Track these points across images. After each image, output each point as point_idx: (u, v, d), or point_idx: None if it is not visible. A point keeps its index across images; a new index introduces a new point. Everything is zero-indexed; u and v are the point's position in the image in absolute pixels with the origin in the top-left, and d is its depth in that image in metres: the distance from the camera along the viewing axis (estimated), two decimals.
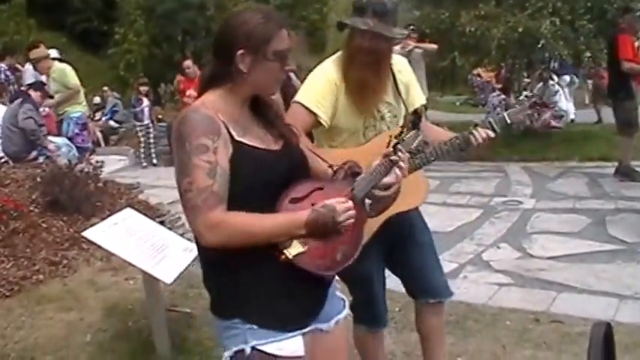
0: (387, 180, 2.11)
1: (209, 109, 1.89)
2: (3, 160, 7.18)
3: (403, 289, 3.15)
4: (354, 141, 2.77)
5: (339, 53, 2.82)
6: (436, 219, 6.17)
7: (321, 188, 2.01)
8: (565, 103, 13.42)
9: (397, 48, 9.35)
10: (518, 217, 6.58)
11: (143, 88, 11.76)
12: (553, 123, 11.74)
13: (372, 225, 2.50)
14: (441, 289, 3.03)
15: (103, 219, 4.09)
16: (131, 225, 3.86)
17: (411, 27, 9.76)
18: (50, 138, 7.59)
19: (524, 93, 13.13)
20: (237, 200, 1.85)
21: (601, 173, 8.34)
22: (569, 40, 10.01)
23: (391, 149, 2.11)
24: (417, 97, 2.95)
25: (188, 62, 10.99)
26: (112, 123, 14.50)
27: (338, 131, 2.79)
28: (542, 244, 5.68)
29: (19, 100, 7.46)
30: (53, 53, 8.43)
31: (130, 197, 6.46)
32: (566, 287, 4.66)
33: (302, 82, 2.97)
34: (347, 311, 2.17)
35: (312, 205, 1.92)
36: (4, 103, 8.23)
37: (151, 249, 3.67)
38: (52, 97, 7.88)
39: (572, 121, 13.18)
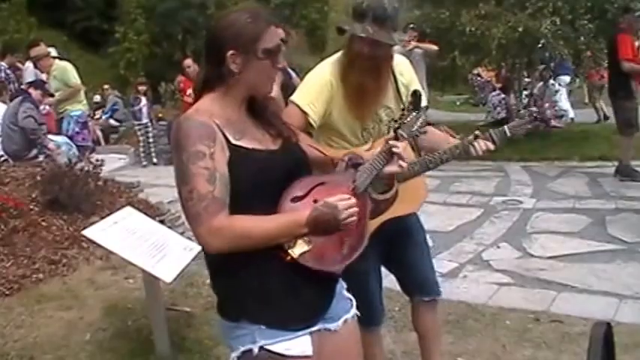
0: (388, 169, 2.11)
1: (203, 114, 1.88)
2: (3, 159, 7.18)
3: None
4: (350, 143, 2.78)
5: (337, 54, 2.83)
6: (436, 218, 6.19)
7: (322, 183, 2.00)
8: (566, 102, 13.42)
9: (398, 47, 9.37)
10: (519, 216, 6.58)
11: (141, 88, 11.78)
12: (553, 122, 11.73)
13: (369, 228, 2.50)
14: (434, 286, 3.08)
15: (103, 218, 4.09)
16: (131, 224, 3.86)
17: (411, 26, 9.76)
18: (50, 137, 7.59)
19: (525, 93, 13.13)
20: (239, 203, 1.85)
21: (601, 173, 8.34)
22: (569, 40, 10.01)
23: (392, 135, 2.10)
24: None
25: (188, 61, 10.98)
26: (112, 122, 14.49)
27: (335, 132, 2.80)
28: (542, 243, 5.68)
29: (19, 99, 7.45)
30: (52, 52, 8.42)
31: (130, 196, 6.45)
32: (566, 287, 4.66)
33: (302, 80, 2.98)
34: (355, 310, 2.16)
35: (315, 201, 1.91)
36: (4, 102, 8.22)
37: (151, 248, 3.67)
38: (52, 95, 7.88)
39: (573, 120, 13.18)
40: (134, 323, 4.06)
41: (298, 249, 1.87)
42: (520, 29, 9.57)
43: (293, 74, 8.12)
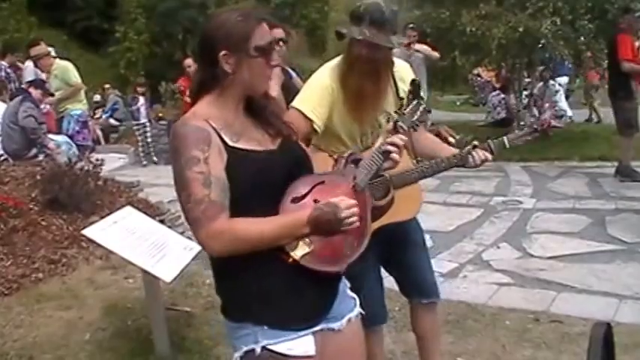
0: (389, 163, 2.11)
1: (199, 118, 1.88)
2: (3, 158, 7.18)
3: None
4: (349, 149, 2.77)
5: (337, 59, 2.83)
6: (436, 218, 6.19)
7: (322, 182, 1.99)
8: (565, 103, 13.43)
9: (398, 50, 9.36)
10: (518, 216, 6.57)
11: (140, 89, 11.86)
12: (553, 123, 11.73)
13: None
14: (433, 288, 3.07)
15: (103, 217, 4.09)
16: (131, 223, 3.86)
17: (411, 25, 9.75)
18: (50, 136, 7.59)
19: (525, 93, 13.13)
20: (239, 205, 1.85)
21: (601, 173, 8.34)
22: (569, 40, 10.02)
23: (391, 127, 2.10)
24: None
25: (189, 60, 10.97)
26: (112, 121, 14.51)
27: (334, 138, 2.80)
28: (542, 243, 5.67)
29: (19, 98, 7.44)
30: (51, 52, 8.42)
31: (130, 195, 6.45)
32: (566, 287, 4.65)
33: (303, 81, 2.98)
34: (358, 309, 2.16)
35: (315, 201, 1.90)
36: (4, 101, 8.22)
37: (151, 247, 3.67)
38: (52, 94, 7.88)
39: (572, 120, 13.19)
40: (134, 323, 4.05)
41: (300, 251, 1.87)
42: (520, 29, 9.57)
43: (293, 74, 8.11)
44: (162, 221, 5.05)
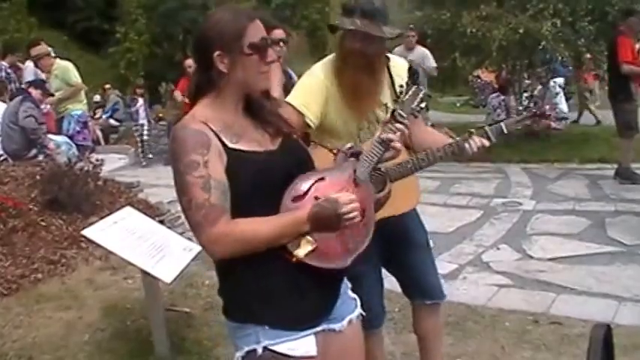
0: (390, 154, 2.11)
1: (198, 121, 1.87)
2: (2, 158, 7.17)
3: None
4: (349, 143, 2.77)
5: (330, 56, 2.84)
6: (436, 220, 6.18)
7: (322, 179, 1.98)
8: (565, 105, 13.43)
9: (400, 49, 9.36)
10: (518, 218, 6.57)
11: (139, 90, 11.94)
12: (553, 125, 11.73)
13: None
14: (437, 290, 3.04)
15: (103, 218, 4.09)
16: (130, 224, 3.86)
17: (410, 26, 9.76)
18: (50, 136, 7.58)
19: (525, 94, 13.12)
20: (240, 206, 1.85)
21: (601, 175, 8.34)
22: (570, 42, 10.02)
23: (390, 117, 2.09)
24: None
25: (189, 61, 10.95)
26: (112, 121, 14.51)
27: (332, 133, 2.80)
28: (541, 245, 5.67)
29: (19, 98, 7.43)
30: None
31: (130, 196, 6.44)
32: (566, 289, 4.65)
33: None
34: (359, 310, 2.16)
35: (316, 198, 1.90)
36: (4, 101, 8.21)
37: (151, 248, 3.67)
38: (52, 95, 7.88)
39: (568, 121, 13.20)
40: (133, 324, 4.05)
41: (302, 249, 1.87)
42: (521, 31, 9.58)
43: (294, 76, 8.11)
44: (162, 222, 5.05)
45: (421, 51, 9.91)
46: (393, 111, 2.14)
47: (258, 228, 1.84)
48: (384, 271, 3.03)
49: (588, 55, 11.12)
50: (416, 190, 2.91)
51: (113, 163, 9.99)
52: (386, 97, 2.82)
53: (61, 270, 4.73)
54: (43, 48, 8.10)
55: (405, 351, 3.73)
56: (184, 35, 17.84)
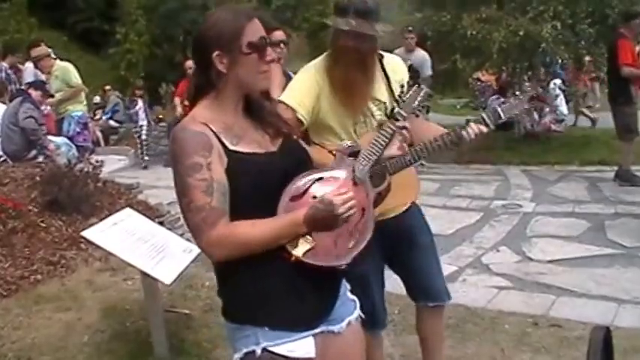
0: (389, 152, 2.11)
1: (198, 123, 1.87)
2: (2, 159, 7.17)
3: (402, 292, 3.16)
4: (345, 138, 2.77)
5: (322, 55, 2.85)
6: (436, 222, 6.13)
7: (320, 179, 1.98)
8: (565, 107, 13.42)
9: (400, 51, 9.35)
10: (518, 220, 6.58)
11: (138, 91, 11.97)
12: (553, 127, 11.75)
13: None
14: (440, 292, 3.03)
15: (102, 219, 4.09)
16: (130, 225, 3.86)
17: (409, 28, 9.76)
18: (50, 137, 7.58)
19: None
20: (239, 208, 1.85)
21: (601, 177, 8.34)
22: (570, 45, 10.02)
23: (389, 117, 2.09)
24: None
25: (189, 62, 10.98)
26: (112, 123, 14.51)
27: (328, 129, 2.81)
28: (541, 247, 5.67)
29: (19, 99, 7.44)
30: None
31: (130, 197, 6.45)
32: (565, 291, 4.65)
33: None
34: (358, 312, 2.15)
35: (314, 198, 1.90)
36: (4, 102, 8.21)
37: (150, 249, 3.66)
38: (52, 96, 7.88)
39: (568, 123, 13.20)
40: (132, 325, 4.05)
41: (301, 248, 1.86)
42: (521, 33, 9.57)
43: (294, 77, 8.10)
44: (161, 223, 5.06)
45: (421, 55, 9.88)
46: (392, 110, 2.14)
47: (257, 230, 1.84)
48: (385, 272, 3.02)
49: (587, 58, 11.11)
50: (415, 183, 2.90)
51: (113, 164, 10.00)
52: (380, 92, 2.83)
53: (61, 271, 4.73)
54: (43, 49, 8.10)
55: (404, 353, 3.73)
56: (185, 36, 17.85)
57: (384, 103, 2.82)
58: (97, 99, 15.49)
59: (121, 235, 3.68)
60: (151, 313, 3.73)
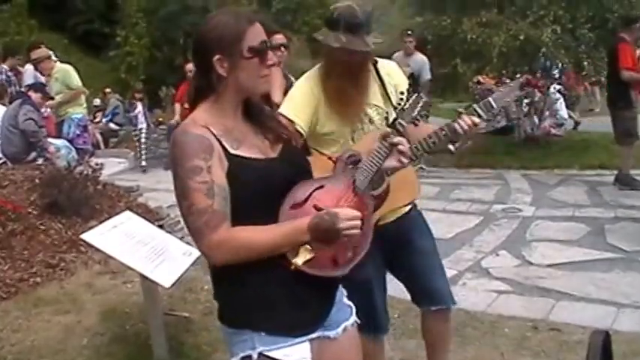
0: (389, 164, 2.09)
1: (199, 126, 1.86)
2: (2, 162, 7.17)
3: (402, 296, 3.16)
4: (344, 146, 2.77)
5: (317, 66, 2.86)
6: (436, 226, 6.11)
7: (321, 187, 1.98)
8: (565, 111, 13.42)
9: (399, 54, 9.35)
10: (518, 224, 6.57)
11: (137, 94, 12.00)
12: (553, 131, 11.74)
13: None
14: (444, 296, 3.01)
15: (102, 222, 4.09)
16: (130, 228, 3.85)
17: (409, 32, 9.76)
18: (50, 140, 7.58)
19: (525, 101, 13.13)
20: (239, 213, 1.85)
21: (601, 182, 8.33)
22: (570, 49, 10.03)
23: (389, 128, 2.09)
24: None
25: (190, 65, 10.99)
26: (112, 125, 14.51)
27: (327, 139, 2.81)
28: (541, 251, 5.67)
29: (19, 101, 7.44)
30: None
31: (129, 200, 6.44)
32: (565, 295, 4.65)
33: None
34: (355, 318, 2.15)
35: (315, 206, 1.90)
36: (4, 105, 8.21)
37: (150, 252, 3.66)
38: (52, 98, 7.88)
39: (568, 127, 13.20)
40: (132, 328, 4.05)
41: (301, 257, 1.86)
42: (521, 37, 9.58)
43: (294, 80, 8.10)
44: (161, 226, 5.05)
45: (420, 59, 9.86)
46: (394, 120, 2.13)
47: (259, 236, 1.84)
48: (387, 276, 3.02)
49: (586, 63, 11.11)
50: (414, 180, 2.90)
51: (113, 167, 9.99)
52: (376, 97, 2.84)
53: (60, 274, 4.72)
54: (43, 51, 8.11)
55: (404, 357, 3.73)
56: (185, 39, 17.88)
57: (382, 107, 2.83)
58: (97, 101, 15.49)
59: (121, 238, 3.68)
60: (151, 316, 3.73)
